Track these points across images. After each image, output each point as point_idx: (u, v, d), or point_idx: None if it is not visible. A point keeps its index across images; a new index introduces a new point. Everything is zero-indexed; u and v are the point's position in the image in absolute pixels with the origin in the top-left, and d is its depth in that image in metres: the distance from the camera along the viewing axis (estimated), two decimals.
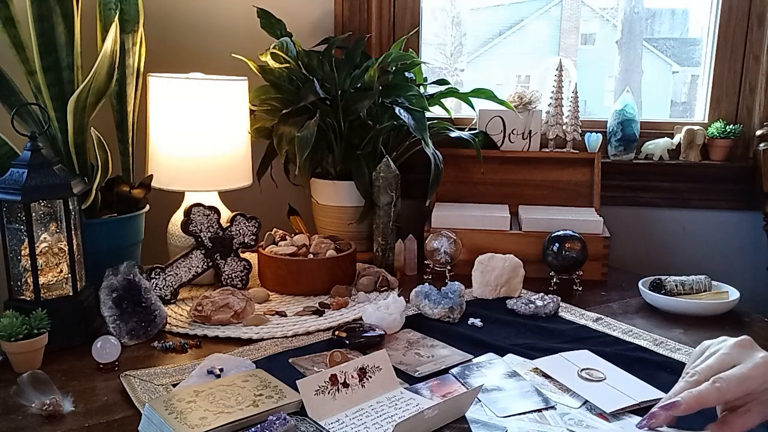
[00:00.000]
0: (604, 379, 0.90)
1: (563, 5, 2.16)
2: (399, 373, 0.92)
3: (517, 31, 2.13)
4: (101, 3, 1.31)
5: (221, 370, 0.90)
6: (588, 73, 2.10)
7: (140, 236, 1.33)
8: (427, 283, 1.20)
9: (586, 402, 0.85)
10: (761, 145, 1.54)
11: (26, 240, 0.98)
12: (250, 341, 1.05)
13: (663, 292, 1.22)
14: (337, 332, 1.03)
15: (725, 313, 1.17)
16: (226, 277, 1.26)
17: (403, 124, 1.37)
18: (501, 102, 1.50)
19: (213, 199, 1.34)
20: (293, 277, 1.25)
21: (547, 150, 1.61)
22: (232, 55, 1.43)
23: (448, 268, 1.35)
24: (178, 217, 1.33)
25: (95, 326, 1.05)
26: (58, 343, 0.98)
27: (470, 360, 0.98)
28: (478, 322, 1.12)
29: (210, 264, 1.24)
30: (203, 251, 1.23)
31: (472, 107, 1.55)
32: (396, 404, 0.84)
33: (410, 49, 1.60)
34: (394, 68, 1.49)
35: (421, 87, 1.52)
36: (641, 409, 0.83)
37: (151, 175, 1.31)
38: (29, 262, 0.98)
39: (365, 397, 0.84)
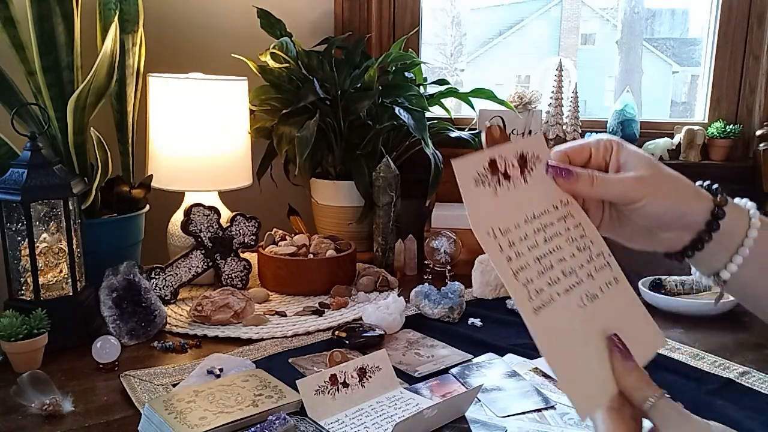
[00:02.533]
0: None
1: (563, 5, 2.16)
2: (399, 373, 0.92)
3: (517, 31, 2.13)
4: (101, 3, 1.31)
5: (221, 370, 0.90)
6: (588, 73, 2.10)
7: (140, 236, 1.33)
8: (427, 283, 1.20)
9: None
10: (761, 145, 1.54)
11: (26, 240, 0.98)
12: (250, 341, 1.05)
13: (663, 292, 1.22)
14: (337, 332, 1.03)
15: (725, 313, 1.17)
16: (226, 277, 1.26)
17: (403, 124, 1.37)
18: (501, 102, 1.50)
19: (213, 199, 1.34)
20: (293, 277, 1.25)
21: None
22: (232, 55, 1.43)
23: (448, 268, 1.35)
24: (178, 217, 1.33)
25: (95, 326, 1.05)
26: (58, 343, 0.97)
27: (470, 360, 0.98)
28: (478, 322, 1.12)
29: (210, 264, 1.24)
30: (203, 251, 1.23)
31: (472, 107, 1.55)
32: (396, 404, 0.84)
33: (410, 49, 1.60)
34: (394, 68, 1.49)
35: (421, 87, 1.52)
36: None
37: (151, 175, 1.31)
38: (29, 262, 0.98)
39: (365, 397, 0.84)
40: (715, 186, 0.58)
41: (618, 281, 0.55)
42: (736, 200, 0.58)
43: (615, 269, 0.56)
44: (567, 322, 0.50)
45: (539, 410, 0.83)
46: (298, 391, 0.81)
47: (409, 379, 0.92)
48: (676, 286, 1.22)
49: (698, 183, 0.58)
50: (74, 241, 1.03)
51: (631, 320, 0.54)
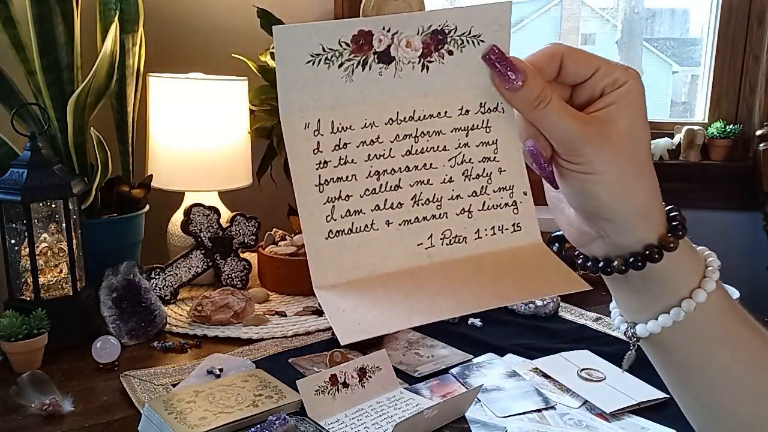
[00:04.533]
0: (604, 379, 0.90)
1: (563, 5, 2.17)
2: (399, 373, 0.92)
3: (517, 31, 2.13)
4: (101, 3, 1.31)
5: (221, 370, 0.90)
6: None
7: (140, 236, 1.33)
8: None
9: (585, 402, 0.85)
10: (761, 145, 1.54)
11: (26, 240, 0.98)
12: (250, 341, 1.05)
13: None
14: None
15: None
16: (226, 277, 1.26)
17: None
18: None
19: (213, 199, 1.34)
20: (293, 277, 1.25)
21: None
22: (232, 55, 1.43)
23: None
24: (178, 217, 1.33)
25: (95, 326, 1.05)
26: (58, 343, 0.97)
27: (470, 360, 0.98)
28: (477, 322, 1.12)
29: (210, 264, 1.24)
30: (203, 251, 1.23)
31: None
32: (396, 404, 0.84)
33: None
34: None
35: None
36: (641, 409, 0.83)
37: (151, 175, 1.31)
38: (29, 262, 0.98)
39: (365, 397, 0.84)
40: (676, 214, 0.42)
41: (521, 228, 0.44)
42: (700, 249, 0.43)
43: (523, 212, 0.43)
44: (377, 256, 0.39)
45: (539, 410, 0.83)
46: (298, 391, 0.81)
47: (409, 379, 0.92)
48: None
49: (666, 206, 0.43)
50: (74, 241, 1.03)
51: (526, 268, 0.44)
